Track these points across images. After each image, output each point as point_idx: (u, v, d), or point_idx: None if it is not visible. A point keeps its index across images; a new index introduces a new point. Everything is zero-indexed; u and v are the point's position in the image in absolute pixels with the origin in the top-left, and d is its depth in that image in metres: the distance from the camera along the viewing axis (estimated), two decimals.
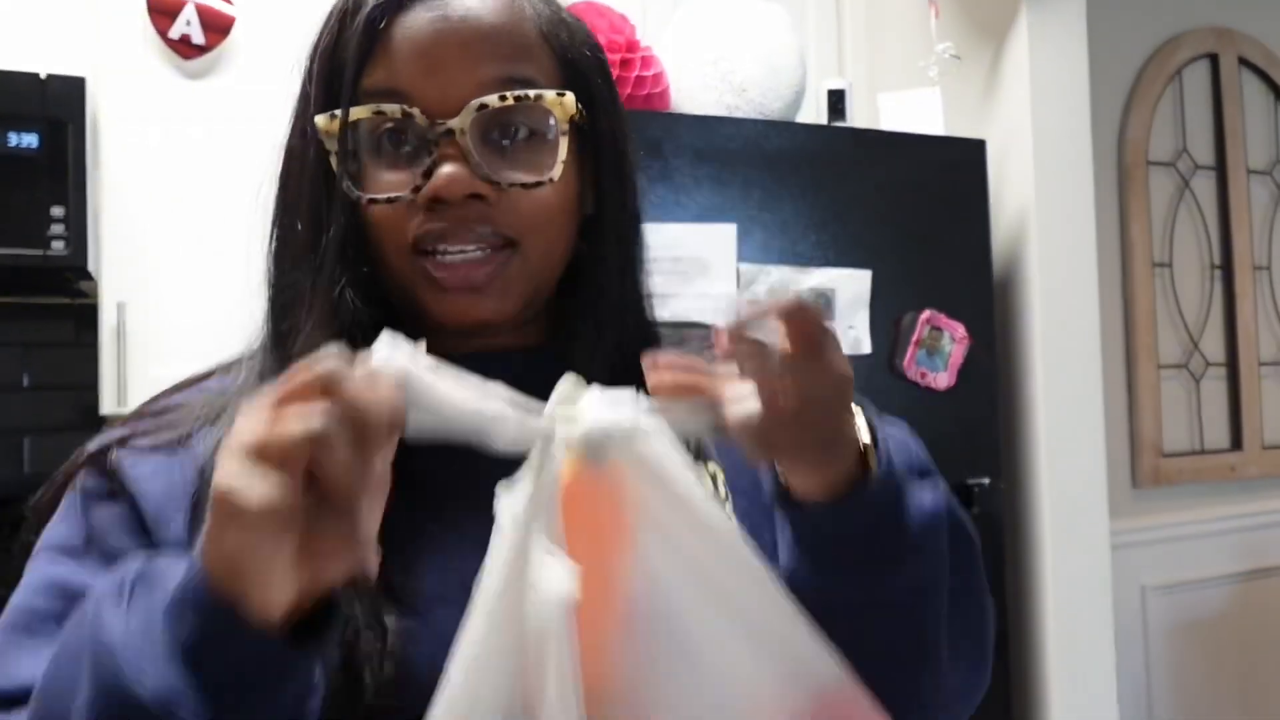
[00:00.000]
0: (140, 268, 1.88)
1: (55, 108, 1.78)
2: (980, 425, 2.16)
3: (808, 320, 0.52)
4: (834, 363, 0.52)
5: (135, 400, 1.87)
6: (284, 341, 0.64)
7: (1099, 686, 2.28)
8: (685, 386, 0.52)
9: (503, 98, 0.61)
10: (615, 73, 1.96)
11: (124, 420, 0.67)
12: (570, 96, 0.64)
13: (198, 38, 1.94)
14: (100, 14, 1.90)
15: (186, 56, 1.94)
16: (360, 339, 0.59)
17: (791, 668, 0.51)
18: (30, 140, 1.76)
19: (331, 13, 0.65)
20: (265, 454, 0.43)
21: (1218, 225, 3.03)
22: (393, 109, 0.61)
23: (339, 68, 0.63)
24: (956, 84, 2.42)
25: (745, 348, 0.51)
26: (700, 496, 0.50)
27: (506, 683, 0.47)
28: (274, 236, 0.67)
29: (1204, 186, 3.01)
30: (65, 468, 0.65)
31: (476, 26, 0.62)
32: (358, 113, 0.61)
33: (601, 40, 2.13)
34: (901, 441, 0.61)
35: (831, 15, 2.58)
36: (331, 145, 0.62)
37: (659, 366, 0.53)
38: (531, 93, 0.62)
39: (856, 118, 2.28)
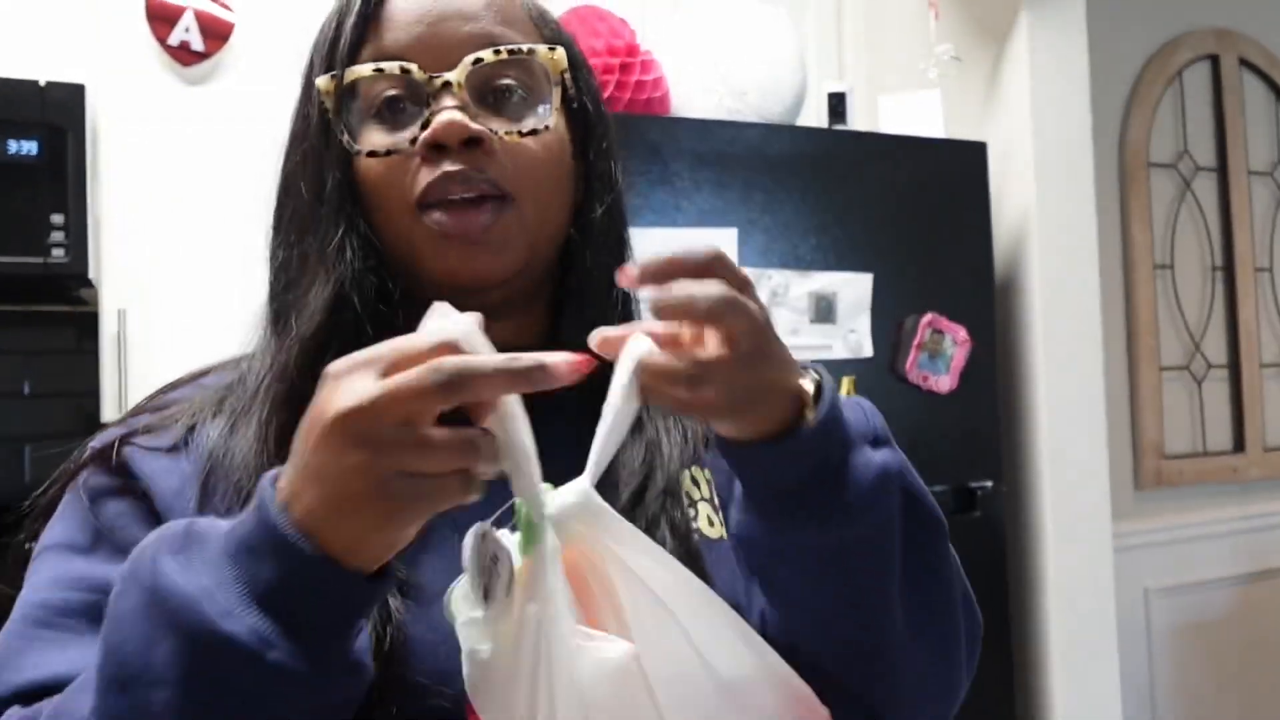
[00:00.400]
0: (141, 275, 1.88)
1: (55, 115, 1.77)
2: (982, 428, 2.15)
3: (722, 268, 0.52)
4: (750, 309, 0.51)
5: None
6: (287, 314, 0.65)
7: (1102, 688, 2.28)
8: (618, 339, 0.52)
9: (496, 51, 0.64)
10: (615, 77, 1.97)
11: (124, 417, 0.68)
12: (561, 51, 0.66)
13: (197, 44, 1.94)
14: (100, 21, 1.90)
15: (186, 63, 1.94)
16: (363, 307, 0.62)
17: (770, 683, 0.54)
18: (30, 148, 1.76)
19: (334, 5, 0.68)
20: (421, 412, 0.44)
21: (1219, 227, 3.02)
22: (391, 67, 0.63)
23: (338, 40, 0.65)
24: (957, 86, 2.41)
25: (665, 299, 0.51)
26: (648, 544, 0.53)
27: None
28: (276, 214, 0.68)
29: (1205, 188, 3.01)
30: (66, 466, 0.65)
31: None
32: (357, 71, 0.64)
33: (601, 44, 2.12)
34: (857, 406, 0.61)
35: (831, 18, 2.58)
36: (330, 105, 0.64)
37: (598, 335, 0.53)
38: (524, 46, 0.65)
39: (857, 121, 2.28)
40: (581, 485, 0.50)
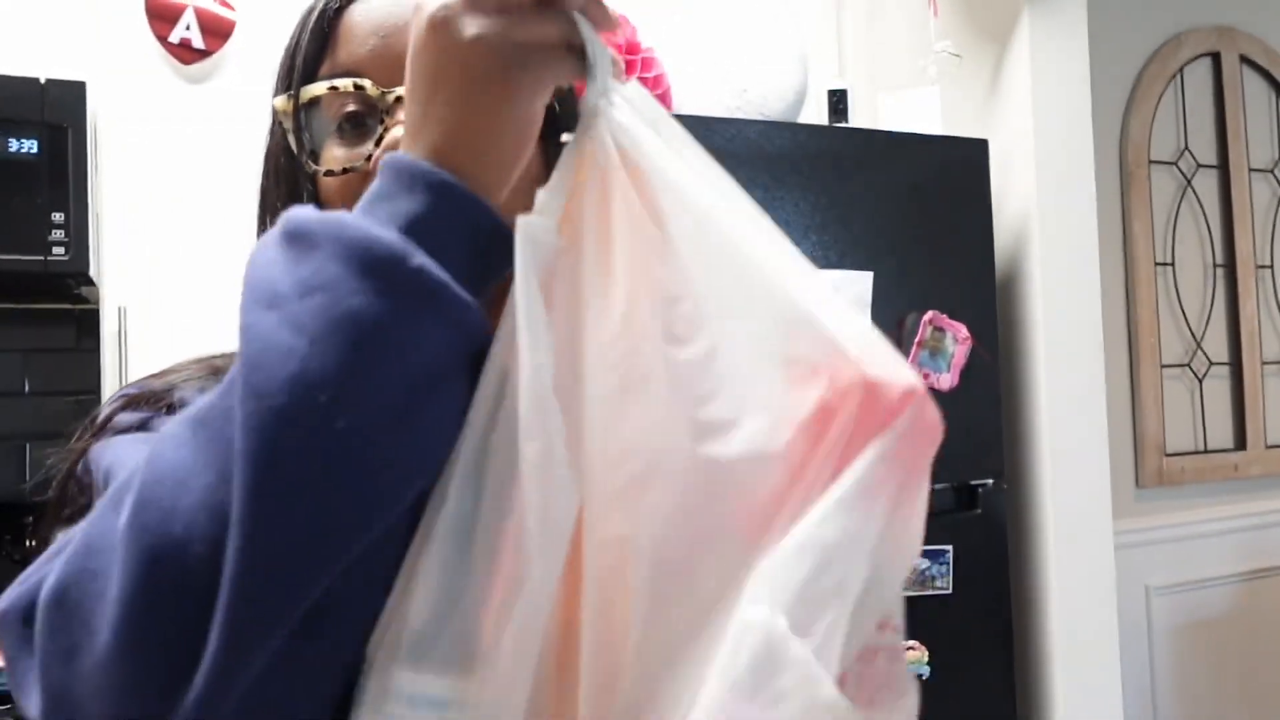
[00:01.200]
0: (141, 272, 1.88)
1: (55, 113, 1.77)
2: (983, 426, 2.15)
3: None
4: None
5: None
6: None
7: (1103, 686, 2.28)
8: None
9: None
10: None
11: (124, 391, 0.68)
12: None
13: (197, 42, 1.94)
14: (100, 19, 1.90)
15: (186, 61, 1.94)
16: None
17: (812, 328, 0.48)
18: (30, 146, 1.76)
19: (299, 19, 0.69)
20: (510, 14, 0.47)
21: (1220, 224, 3.02)
22: (344, 83, 0.63)
23: (295, 57, 0.66)
24: (958, 84, 2.41)
25: None
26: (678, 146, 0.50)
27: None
28: (258, 230, 0.70)
29: (1206, 185, 3.01)
30: (102, 417, 0.64)
31: None
32: (311, 90, 0.64)
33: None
34: None
35: (832, 16, 2.58)
36: (289, 124, 0.65)
37: None
38: None
39: (858, 118, 2.28)
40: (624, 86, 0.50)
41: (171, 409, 0.63)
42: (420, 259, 0.45)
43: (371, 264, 0.44)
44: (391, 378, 0.44)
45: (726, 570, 0.46)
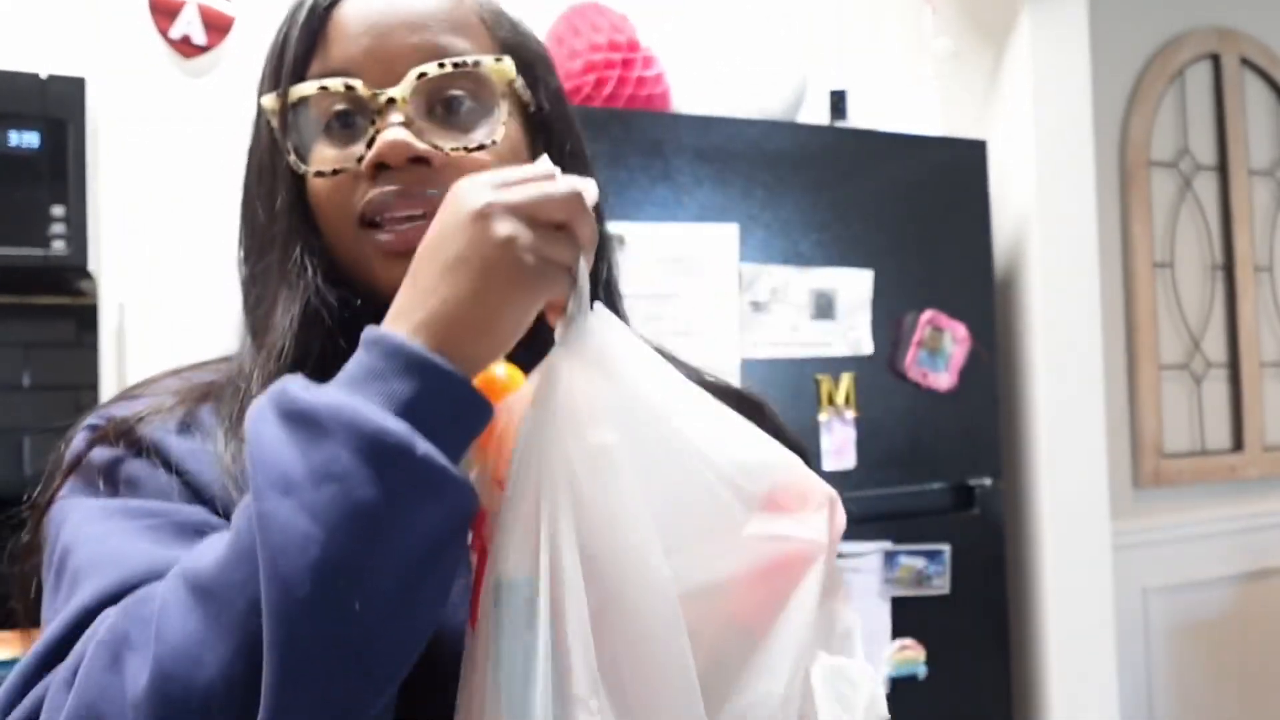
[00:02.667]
0: (141, 268, 1.88)
1: (56, 108, 1.77)
2: (981, 426, 2.15)
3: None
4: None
5: None
6: (262, 329, 0.66)
7: (1100, 687, 2.28)
8: None
9: (441, 64, 0.63)
10: (616, 73, 1.96)
11: (112, 401, 0.67)
12: (509, 61, 0.66)
13: (199, 37, 1.94)
14: (101, 14, 1.90)
15: (188, 56, 1.94)
16: (328, 318, 0.63)
17: (746, 469, 0.56)
18: (31, 140, 1.76)
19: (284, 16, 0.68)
20: (547, 216, 0.52)
21: (1219, 225, 3.02)
22: (335, 84, 0.63)
23: (284, 55, 0.65)
24: (958, 84, 2.41)
25: None
26: (647, 354, 0.57)
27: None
28: (240, 230, 0.70)
29: (1206, 187, 3.01)
30: (70, 457, 0.63)
31: (414, 6, 0.65)
32: (301, 90, 0.63)
33: (602, 40, 2.12)
34: None
35: (832, 15, 2.58)
36: (276, 123, 0.65)
37: None
38: (469, 59, 0.64)
39: (858, 118, 2.28)
40: (596, 305, 0.56)
41: (140, 449, 0.61)
42: (424, 447, 0.47)
43: (381, 455, 0.47)
44: (399, 557, 0.47)
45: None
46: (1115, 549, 2.35)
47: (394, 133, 0.61)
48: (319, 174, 0.63)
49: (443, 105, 0.65)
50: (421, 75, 0.63)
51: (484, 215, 0.51)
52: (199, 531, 0.56)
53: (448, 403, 0.50)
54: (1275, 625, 2.99)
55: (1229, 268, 3.02)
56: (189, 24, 1.93)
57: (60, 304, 2.09)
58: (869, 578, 1.98)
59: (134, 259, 1.88)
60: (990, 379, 2.17)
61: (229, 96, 1.95)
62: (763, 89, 2.18)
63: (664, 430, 0.54)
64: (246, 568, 0.47)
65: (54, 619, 0.54)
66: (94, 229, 1.83)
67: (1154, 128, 2.89)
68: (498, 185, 0.52)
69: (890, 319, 2.06)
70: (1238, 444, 2.99)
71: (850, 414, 2.00)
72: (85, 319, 2.06)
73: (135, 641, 0.48)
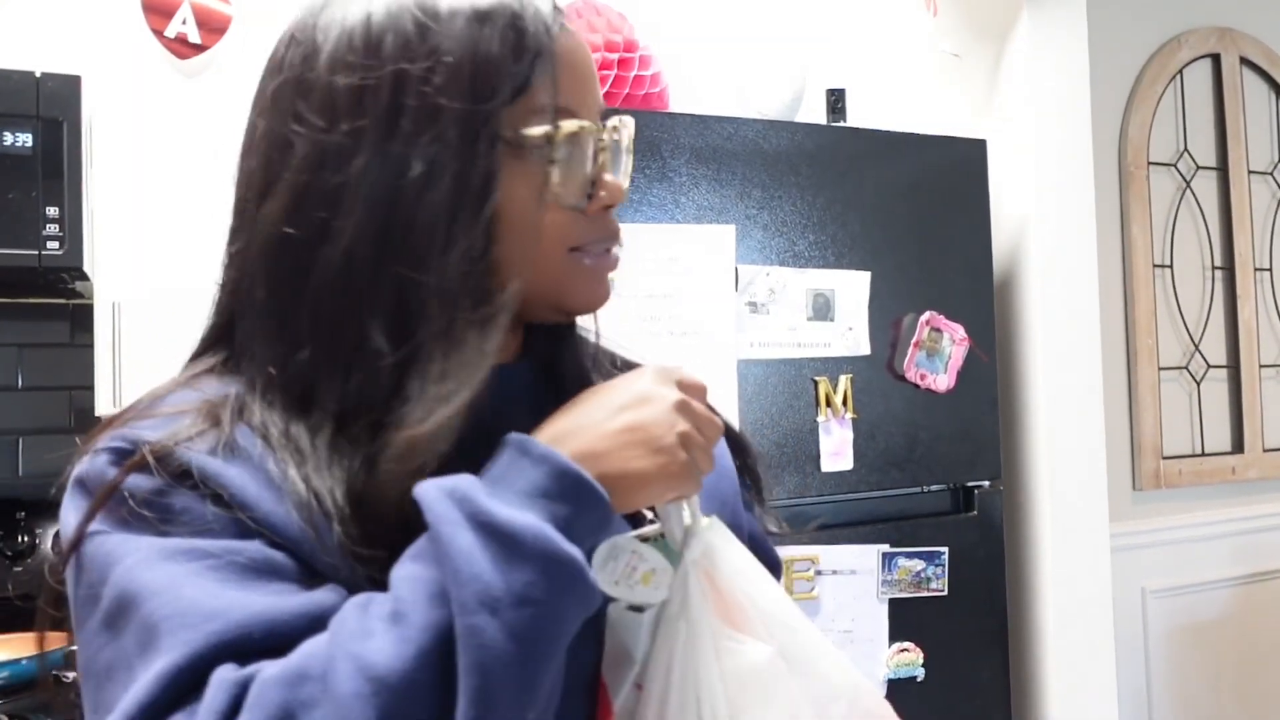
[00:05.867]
0: (136, 268, 1.87)
1: (50, 107, 1.76)
2: (980, 427, 2.15)
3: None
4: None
5: (130, 402, 1.86)
6: (421, 349, 0.61)
7: (1099, 689, 2.27)
8: None
9: (622, 116, 0.71)
10: (613, 72, 1.96)
11: (125, 420, 0.63)
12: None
13: (194, 37, 1.93)
14: (96, 13, 1.89)
15: (183, 55, 1.94)
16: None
17: (857, 689, 0.66)
18: (25, 139, 1.75)
19: (473, 15, 0.62)
20: (702, 436, 0.63)
21: (1219, 226, 3.02)
22: (592, 127, 0.66)
23: (502, 76, 0.62)
24: (957, 84, 2.41)
25: None
26: (758, 568, 0.67)
27: None
28: (378, 231, 0.61)
29: (1205, 187, 3.00)
30: (100, 484, 0.58)
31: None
32: (579, 125, 0.65)
33: (599, 39, 2.12)
34: None
35: (830, 14, 2.57)
36: (539, 154, 0.64)
37: None
38: (629, 117, 0.72)
39: (856, 117, 2.27)
40: (711, 518, 0.67)
41: (184, 476, 0.57)
42: (590, 572, 0.56)
43: (564, 580, 0.54)
44: (559, 661, 0.56)
45: None
46: (1114, 551, 2.35)
47: (616, 179, 0.68)
48: (576, 207, 0.66)
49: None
50: (618, 124, 0.69)
51: (677, 410, 0.61)
52: (270, 570, 0.56)
53: (598, 532, 0.60)
54: (1275, 627, 2.99)
55: (1229, 269, 3.01)
56: (184, 23, 1.92)
57: (54, 304, 2.08)
58: (867, 579, 1.98)
59: (129, 259, 1.87)
60: (989, 380, 2.16)
61: (225, 96, 1.94)
62: (761, 88, 2.17)
63: (800, 641, 0.64)
64: (432, 671, 0.51)
65: (121, 669, 0.53)
66: (89, 229, 1.82)
67: (1153, 128, 2.89)
68: (687, 387, 0.64)
69: (889, 320, 2.06)
70: (1237, 446, 2.99)
71: (848, 415, 1.99)
72: (79, 319, 2.05)
73: None
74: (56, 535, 1.94)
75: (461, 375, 0.60)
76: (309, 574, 0.57)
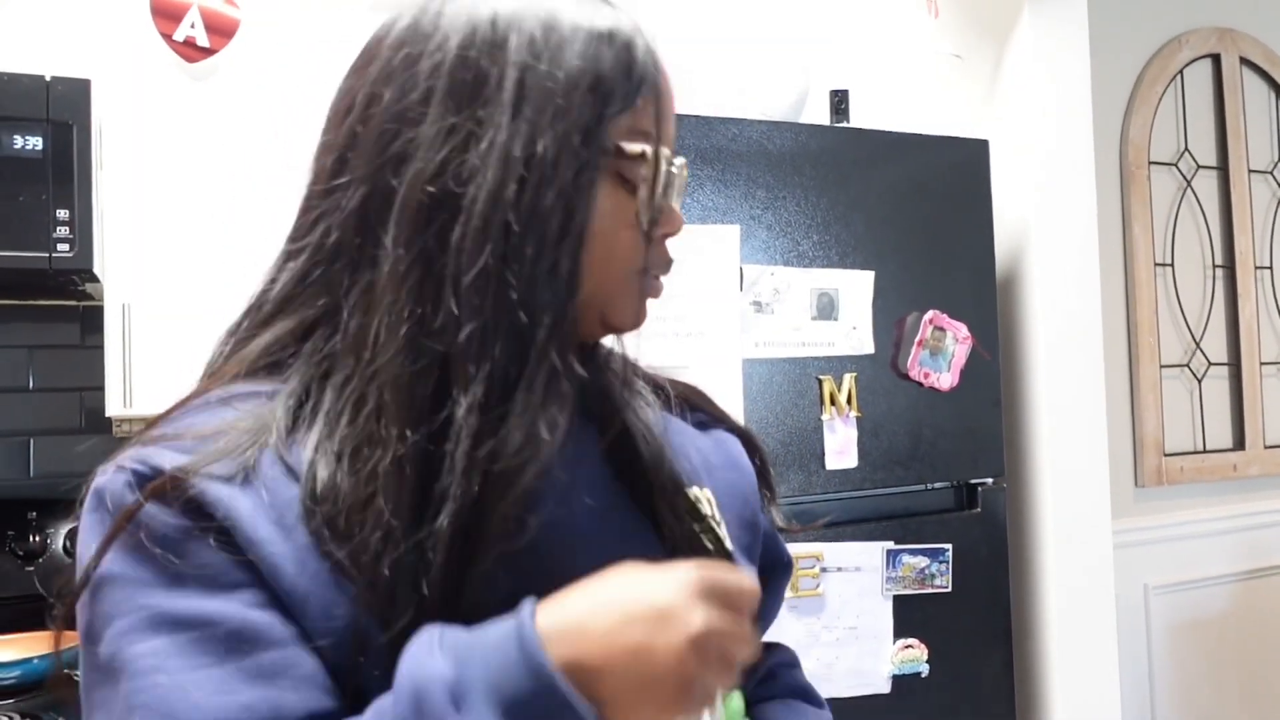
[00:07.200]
0: (145, 270, 1.88)
1: (60, 110, 1.78)
2: (983, 425, 2.16)
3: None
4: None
5: (141, 402, 1.87)
6: (508, 326, 0.62)
7: (1101, 686, 2.28)
8: None
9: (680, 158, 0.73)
10: None
11: (153, 439, 0.61)
12: None
13: (202, 40, 1.94)
14: (105, 17, 1.91)
15: (191, 59, 1.95)
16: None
17: None
18: (35, 143, 1.76)
19: (594, 31, 0.66)
20: (720, 659, 0.54)
21: (1220, 225, 3.03)
22: (669, 154, 0.69)
23: (615, 89, 0.66)
24: (959, 84, 2.42)
25: None
26: None
27: None
28: (498, 227, 0.61)
29: (1206, 186, 3.01)
30: (118, 511, 0.58)
31: None
32: (669, 158, 0.69)
33: None
34: None
35: (834, 16, 2.59)
36: (632, 170, 0.67)
37: None
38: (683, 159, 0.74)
39: (859, 118, 2.29)
40: None
41: (202, 518, 0.57)
42: None
43: None
44: None
45: None
46: (1117, 547, 2.36)
47: (677, 209, 0.72)
48: (648, 229, 0.68)
49: None
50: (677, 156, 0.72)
51: (696, 647, 0.53)
52: (250, 641, 0.56)
53: None
54: (1276, 623, 3.00)
55: (1229, 267, 3.02)
56: (192, 27, 1.93)
57: (65, 306, 2.10)
58: (872, 576, 1.99)
59: (138, 261, 1.88)
60: (992, 379, 2.17)
61: (233, 99, 1.96)
62: (764, 90, 2.18)
63: None
64: None
65: None
66: (98, 231, 1.83)
67: (1154, 127, 2.90)
68: (717, 598, 0.55)
69: (892, 319, 2.07)
70: (1239, 443, 3.00)
71: (852, 414, 2.01)
72: (90, 321, 2.07)
73: None
74: (69, 535, 1.96)
75: (554, 389, 0.62)
76: (291, 631, 0.57)
